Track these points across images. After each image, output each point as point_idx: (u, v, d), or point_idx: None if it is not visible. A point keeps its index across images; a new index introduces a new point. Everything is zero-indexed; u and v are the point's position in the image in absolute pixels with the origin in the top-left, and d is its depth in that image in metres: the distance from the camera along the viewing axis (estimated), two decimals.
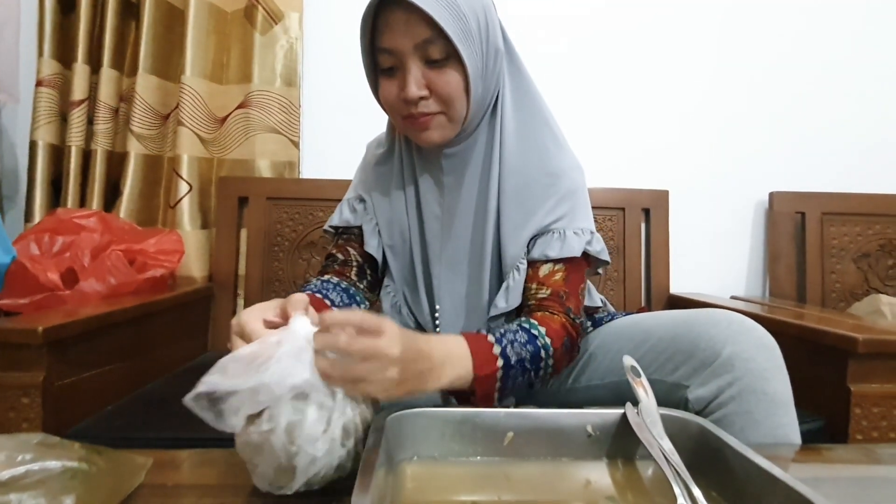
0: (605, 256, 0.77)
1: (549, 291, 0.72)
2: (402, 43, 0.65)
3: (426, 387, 0.55)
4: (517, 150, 0.75)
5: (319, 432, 0.45)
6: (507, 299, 0.73)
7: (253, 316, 0.53)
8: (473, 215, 0.76)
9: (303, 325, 0.50)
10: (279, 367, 0.45)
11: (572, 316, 0.71)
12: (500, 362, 0.61)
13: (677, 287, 1.46)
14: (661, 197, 1.46)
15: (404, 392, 0.52)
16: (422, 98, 0.67)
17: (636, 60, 1.51)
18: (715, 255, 1.52)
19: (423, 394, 0.55)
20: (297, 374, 0.45)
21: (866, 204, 1.45)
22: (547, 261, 0.73)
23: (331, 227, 0.87)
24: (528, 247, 0.74)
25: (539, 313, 0.70)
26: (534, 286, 0.73)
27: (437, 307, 0.79)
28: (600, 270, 0.84)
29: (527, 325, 0.67)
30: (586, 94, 1.50)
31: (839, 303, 1.42)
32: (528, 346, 0.64)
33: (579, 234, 0.74)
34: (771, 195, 1.47)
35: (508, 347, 0.63)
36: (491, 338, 0.63)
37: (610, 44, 1.50)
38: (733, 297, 1.47)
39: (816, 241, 1.44)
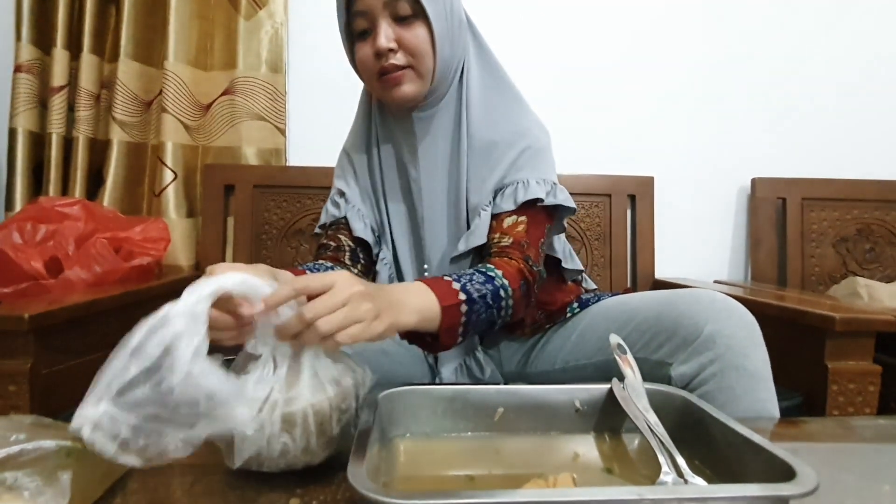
0: (571, 203, 0.79)
1: (510, 240, 0.75)
2: (373, 2, 0.71)
3: (401, 317, 0.54)
4: (483, 113, 0.79)
5: (252, 412, 0.45)
6: (467, 242, 0.77)
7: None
8: (447, 177, 0.80)
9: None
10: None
11: (530, 263, 0.73)
12: (462, 296, 0.62)
13: (662, 272, 1.48)
14: (647, 183, 1.48)
15: (386, 326, 0.51)
16: (391, 50, 0.72)
17: (622, 48, 1.51)
18: (699, 241, 1.55)
19: (401, 331, 0.55)
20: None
21: (845, 189, 1.48)
22: (511, 213, 0.76)
23: (320, 227, 0.90)
24: (493, 199, 0.78)
25: (497, 259, 0.72)
26: (497, 236, 0.76)
27: (426, 266, 0.82)
28: (566, 223, 0.86)
29: (483, 269, 0.69)
30: (572, 82, 1.50)
31: (818, 286, 1.46)
32: (487, 285, 0.65)
33: (541, 184, 0.77)
34: (753, 181, 1.49)
35: (468, 284, 0.64)
36: (447, 278, 0.64)
37: (595, 31, 1.51)
38: (716, 282, 1.49)
39: (797, 226, 1.47)
